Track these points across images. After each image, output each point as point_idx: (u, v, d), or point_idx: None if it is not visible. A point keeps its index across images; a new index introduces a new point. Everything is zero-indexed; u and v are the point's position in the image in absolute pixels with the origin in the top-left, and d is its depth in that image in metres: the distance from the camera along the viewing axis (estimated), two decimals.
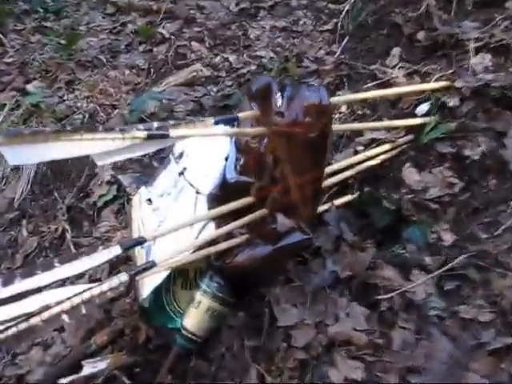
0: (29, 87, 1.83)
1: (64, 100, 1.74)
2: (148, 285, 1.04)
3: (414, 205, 1.12)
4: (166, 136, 0.85)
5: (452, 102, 1.25)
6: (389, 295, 0.99)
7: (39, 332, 0.79)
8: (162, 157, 1.50)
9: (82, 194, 1.53)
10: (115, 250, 0.90)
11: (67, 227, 1.45)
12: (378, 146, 1.25)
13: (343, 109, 1.37)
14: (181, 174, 1.10)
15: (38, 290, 0.83)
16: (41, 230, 1.50)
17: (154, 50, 1.91)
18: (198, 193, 1.07)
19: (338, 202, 1.16)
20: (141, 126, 0.85)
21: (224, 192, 1.08)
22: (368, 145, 1.28)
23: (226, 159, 1.10)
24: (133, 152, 0.84)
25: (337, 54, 1.58)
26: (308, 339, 0.95)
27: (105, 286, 0.85)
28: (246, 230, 1.03)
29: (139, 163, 1.52)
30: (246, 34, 1.80)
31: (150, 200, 1.15)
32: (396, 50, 1.51)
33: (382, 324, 0.97)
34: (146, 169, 1.50)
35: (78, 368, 1.07)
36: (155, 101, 1.54)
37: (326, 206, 1.12)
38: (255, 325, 1.01)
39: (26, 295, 0.82)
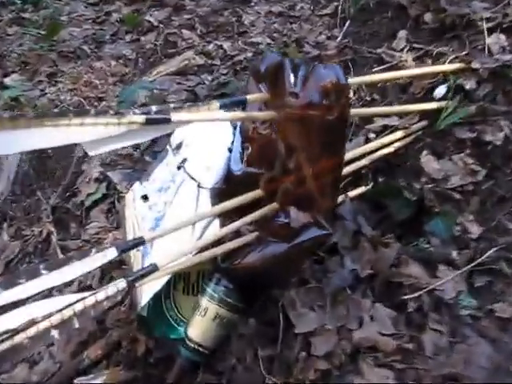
0: (7, 80, 1.70)
1: (46, 93, 1.62)
2: (146, 291, 0.93)
3: (435, 195, 1.02)
4: (167, 120, 0.74)
5: (469, 84, 1.16)
6: (416, 294, 0.89)
7: (25, 351, 0.68)
8: (154, 151, 1.40)
9: (68, 194, 1.41)
10: (111, 253, 0.79)
11: (53, 230, 1.33)
12: (390, 133, 1.16)
13: (350, 94, 1.27)
14: (180, 166, 0.99)
15: (23, 301, 0.72)
16: (24, 234, 1.37)
17: (142, 39, 1.80)
18: (199, 187, 0.96)
19: (352, 194, 1.06)
20: (137, 111, 0.74)
21: (229, 185, 0.97)
22: (380, 132, 1.19)
23: (230, 150, 1.00)
24: (129, 139, 0.73)
25: (339, 38, 1.49)
26: (330, 347, 0.85)
27: (100, 295, 0.74)
28: (256, 227, 0.93)
29: (130, 158, 1.41)
30: (239, 21, 1.69)
31: (145, 197, 1.04)
32: (402, 33, 1.42)
33: (411, 327, 0.87)
34: (138, 164, 1.39)
35: None
36: (146, 91, 1.42)
37: (339, 199, 1.02)
38: (269, 332, 0.91)
39: (8, 308, 0.71)
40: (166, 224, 0.97)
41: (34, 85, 1.68)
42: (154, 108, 0.75)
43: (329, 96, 0.82)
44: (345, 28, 1.51)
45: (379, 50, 1.39)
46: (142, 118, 0.72)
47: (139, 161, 1.40)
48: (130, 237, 1.06)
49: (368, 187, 1.09)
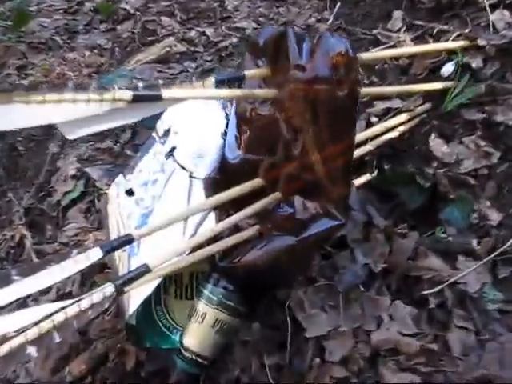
0: None
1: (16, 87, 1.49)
2: (134, 297, 0.83)
3: (448, 180, 0.94)
4: (157, 97, 0.64)
5: (475, 62, 1.09)
6: (437, 289, 0.81)
7: None
8: (136, 144, 1.29)
9: (42, 193, 1.29)
10: (94, 254, 0.68)
11: (26, 233, 1.21)
12: (394, 116, 1.08)
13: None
14: (169, 155, 0.89)
15: None
16: None
17: (118, 28, 1.68)
18: (192, 177, 0.86)
19: (357, 182, 0.97)
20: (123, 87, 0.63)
21: (225, 175, 0.88)
22: (382, 116, 1.10)
23: (224, 135, 0.90)
24: (114, 120, 0.63)
25: (330, 20, 1.40)
26: (346, 351, 0.76)
27: (84, 303, 0.63)
28: (257, 220, 0.83)
29: (109, 153, 1.29)
30: (222, 6, 1.59)
31: (130, 191, 0.93)
32: (398, 13, 1.34)
33: (434, 325, 0.78)
34: (118, 159, 1.28)
35: None
36: (125, 79, 1.31)
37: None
38: (276, 338, 0.81)
39: None
40: (155, 220, 0.87)
41: (3, 78, 1.55)
42: (140, 84, 0.65)
43: (339, 69, 0.72)
44: (335, 10, 1.43)
45: (374, 31, 1.31)
46: (128, 95, 0.62)
47: (120, 155, 1.29)
48: (114, 237, 0.95)
49: (373, 175, 1.00)
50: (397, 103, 1.10)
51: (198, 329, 0.81)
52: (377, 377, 0.75)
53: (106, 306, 0.65)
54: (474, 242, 0.86)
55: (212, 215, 0.84)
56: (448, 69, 1.05)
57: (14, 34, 1.72)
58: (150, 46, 1.50)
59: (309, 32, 1.38)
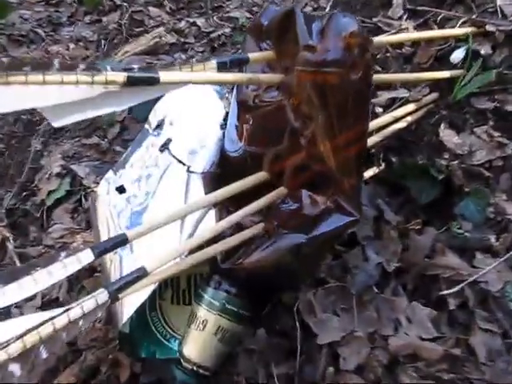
0: None
1: None
2: (128, 304, 0.76)
3: (463, 173, 0.89)
4: (154, 80, 0.57)
5: (484, 49, 1.04)
6: (456, 288, 0.75)
7: None
8: (125, 139, 1.22)
9: (25, 193, 1.21)
10: (85, 257, 0.61)
11: (8, 235, 1.13)
12: (400, 106, 1.02)
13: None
14: (163, 148, 0.82)
15: None
16: None
17: (104, 19, 1.60)
18: (189, 171, 0.79)
19: (364, 175, 0.91)
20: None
21: (225, 169, 0.81)
22: (387, 106, 1.04)
23: (223, 127, 0.83)
24: (105, 105, 0.56)
25: (327, 9, 1.34)
26: (362, 358, 0.70)
27: (74, 313, 0.56)
28: (261, 217, 0.76)
29: (96, 149, 1.22)
30: None
31: (121, 188, 0.86)
32: (398, 0, 1.28)
33: (456, 328, 0.73)
34: (106, 155, 1.21)
35: None
36: None
37: None
38: (284, 345, 0.75)
39: None
40: (150, 219, 0.80)
41: None
42: (136, 66, 0.58)
43: (352, 50, 0.66)
44: None
45: (375, 19, 1.25)
46: (122, 76, 0.55)
47: (108, 151, 1.21)
48: (104, 238, 0.88)
49: (381, 168, 0.94)
50: (403, 93, 1.04)
51: (198, 337, 0.74)
52: None
53: (99, 315, 0.58)
54: (492, 238, 0.81)
55: (212, 213, 0.78)
56: (458, 55, 0.99)
57: None
58: (138, 37, 1.42)
59: None
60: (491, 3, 1.12)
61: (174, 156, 0.80)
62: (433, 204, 0.87)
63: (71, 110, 0.53)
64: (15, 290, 0.58)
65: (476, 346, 0.69)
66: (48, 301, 0.97)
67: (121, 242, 0.65)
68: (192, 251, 0.71)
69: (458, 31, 1.05)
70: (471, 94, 1.00)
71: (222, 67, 0.65)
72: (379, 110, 1.04)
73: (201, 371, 0.74)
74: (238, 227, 0.75)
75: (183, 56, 1.32)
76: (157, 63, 1.22)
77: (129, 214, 0.85)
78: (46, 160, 1.23)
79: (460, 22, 1.08)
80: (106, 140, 1.22)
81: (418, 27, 1.19)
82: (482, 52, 1.03)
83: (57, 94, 0.51)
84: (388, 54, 1.16)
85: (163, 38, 1.37)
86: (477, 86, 0.98)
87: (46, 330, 0.54)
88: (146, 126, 0.87)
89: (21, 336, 0.52)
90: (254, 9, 1.43)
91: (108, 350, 0.83)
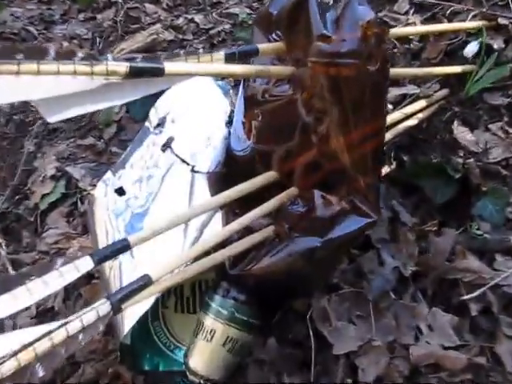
0: None
1: None
2: (130, 313, 0.71)
3: (479, 171, 0.85)
4: (158, 71, 0.52)
5: (496, 43, 1.00)
6: (478, 292, 0.71)
7: None
8: (122, 139, 1.17)
9: (18, 196, 1.16)
10: (85, 265, 0.56)
11: (0, 241, 1.08)
12: (411, 103, 0.98)
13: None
14: (166, 147, 0.77)
15: None
16: None
17: (98, 16, 1.55)
18: (194, 171, 0.74)
19: None
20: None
21: (232, 169, 0.77)
22: (397, 103, 1.00)
23: (229, 124, 0.79)
24: (106, 98, 0.51)
25: (330, 3, 1.29)
26: (381, 369, 0.66)
27: (74, 326, 0.51)
28: (271, 220, 0.72)
29: (92, 150, 1.17)
30: None
31: (121, 190, 0.81)
32: None
33: (479, 335, 0.68)
34: (103, 156, 1.15)
35: None
36: None
37: None
38: (297, 356, 0.70)
39: None
40: (152, 222, 0.75)
41: None
42: (139, 56, 0.53)
43: (369, 40, 0.62)
44: None
45: (380, 14, 1.21)
46: (124, 67, 0.50)
47: (104, 152, 1.16)
48: (103, 243, 0.83)
49: (392, 167, 0.90)
50: (412, 89, 1.00)
51: (205, 348, 0.70)
52: None
53: (101, 329, 0.53)
54: None
55: (218, 216, 0.73)
56: (472, 49, 0.95)
57: None
58: (134, 35, 1.38)
59: None
60: None
61: (176, 155, 0.75)
62: (449, 204, 0.83)
63: (68, 104, 0.49)
64: (8, 302, 0.53)
65: (502, 355, 0.65)
66: (43, 310, 0.91)
67: (122, 248, 0.60)
68: (198, 257, 0.66)
69: (469, 24, 1.01)
70: (484, 89, 0.96)
71: (230, 58, 0.60)
72: (389, 106, 1.00)
73: None
74: (247, 231, 0.71)
75: (181, 53, 1.27)
76: (160, 54, 1.16)
77: (129, 217, 0.80)
78: (40, 162, 1.18)
79: (470, 16, 1.05)
80: (102, 140, 1.17)
81: (425, 21, 1.16)
82: (495, 46, 0.99)
83: (52, 86, 0.47)
84: (395, 50, 1.13)
85: (160, 35, 1.32)
86: (490, 82, 0.95)
87: (43, 346, 0.49)
88: (147, 123, 0.83)
89: (15, 353, 0.47)
90: (254, 4, 1.38)
91: (108, 362, 0.78)
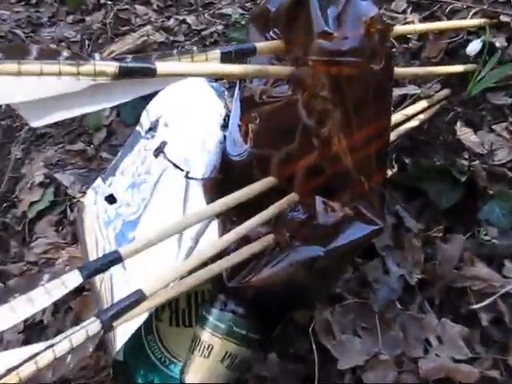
0: None
1: None
2: (122, 330, 0.67)
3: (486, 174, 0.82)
4: (150, 71, 0.49)
5: (498, 41, 0.97)
6: (488, 301, 0.67)
7: None
8: (112, 144, 1.13)
9: (5, 204, 1.11)
10: (73, 280, 0.52)
11: None
12: (412, 103, 0.95)
13: None
14: (158, 152, 0.73)
15: None
16: None
17: (87, 19, 1.51)
18: (188, 177, 0.71)
19: None
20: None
21: (228, 174, 0.73)
22: (398, 104, 0.97)
23: (224, 128, 0.75)
24: (94, 100, 0.47)
25: None
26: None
27: (61, 348, 0.47)
28: (269, 228, 0.68)
29: (82, 156, 1.13)
30: None
31: (111, 197, 0.77)
32: None
33: (491, 346, 0.65)
34: (92, 162, 1.11)
35: None
36: None
37: None
38: (299, 371, 0.67)
39: None
40: (144, 233, 0.71)
41: None
42: (129, 56, 0.50)
43: (373, 38, 0.59)
44: None
45: None
46: (113, 67, 0.46)
47: (94, 158, 1.12)
48: (92, 253, 0.79)
49: (394, 170, 0.87)
50: (413, 89, 0.97)
51: (202, 364, 0.66)
52: None
53: (91, 349, 0.49)
54: None
55: (214, 224, 0.70)
56: (475, 47, 0.93)
57: None
58: (124, 36, 1.34)
59: None
60: None
61: (169, 161, 0.72)
62: (454, 208, 0.80)
63: (52, 107, 0.45)
64: None
65: None
66: (31, 324, 0.87)
67: (113, 260, 0.56)
68: (194, 269, 0.62)
69: (470, 22, 0.98)
70: (486, 89, 0.93)
71: (225, 58, 0.57)
72: None
73: None
74: (245, 240, 0.67)
75: (174, 53, 1.23)
76: (152, 54, 1.12)
77: (120, 226, 0.76)
78: (28, 168, 1.14)
79: (471, 14, 1.03)
80: (92, 146, 1.13)
81: (423, 20, 1.13)
82: (497, 44, 0.97)
83: (35, 88, 0.43)
84: (394, 49, 1.10)
85: (151, 37, 1.29)
86: (493, 81, 0.92)
87: (28, 370, 0.45)
88: (138, 128, 0.79)
89: None
90: (248, 4, 1.35)
91: (100, 379, 0.74)
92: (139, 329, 0.73)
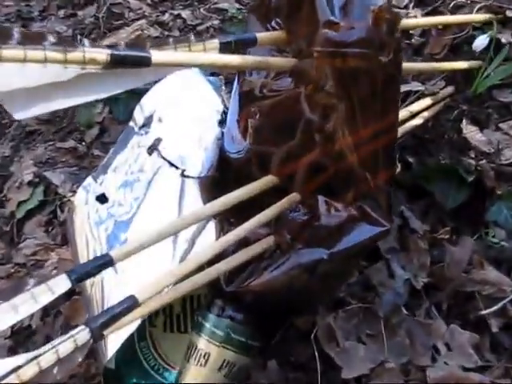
0: None
1: None
2: (114, 337, 0.63)
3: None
4: (144, 60, 0.45)
5: (504, 37, 0.94)
6: (497, 306, 0.64)
7: None
8: (104, 142, 1.09)
9: None
10: (60, 285, 0.48)
11: None
12: (416, 100, 0.92)
13: None
14: (152, 149, 0.69)
15: None
16: None
17: (79, 13, 1.47)
18: (184, 176, 0.67)
19: None
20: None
21: (225, 173, 0.69)
22: (402, 100, 0.94)
23: (222, 123, 0.72)
24: (83, 91, 0.44)
25: None
26: None
27: (47, 360, 0.43)
28: (269, 229, 0.65)
29: (73, 154, 1.09)
30: None
31: (103, 197, 0.74)
32: None
33: (502, 354, 0.62)
34: (84, 160, 1.08)
35: None
36: None
37: None
38: (300, 380, 0.64)
39: None
40: (138, 234, 0.67)
41: None
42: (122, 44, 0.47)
43: (381, 28, 0.55)
44: None
45: None
46: (104, 55, 0.43)
47: (85, 156, 1.09)
48: (83, 255, 0.76)
49: (397, 169, 0.84)
50: (417, 86, 0.94)
51: (199, 374, 0.62)
52: None
53: (79, 360, 0.46)
54: None
55: (211, 225, 0.66)
56: (482, 42, 0.90)
57: None
58: (117, 31, 1.30)
59: None
60: None
61: (164, 158, 0.68)
62: (460, 209, 0.77)
63: (37, 98, 0.41)
64: None
65: None
66: (19, 329, 0.83)
67: (104, 264, 0.53)
68: (190, 273, 0.59)
69: (476, 17, 0.95)
70: (492, 86, 0.90)
71: (225, 48, 0.54)
72: None
73: None
74: (244, 242, 0.64)
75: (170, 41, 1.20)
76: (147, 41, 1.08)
77: (112, 226, 0.73)
78: (16, 166, 1.10)
79: (476, 9, 1.00)
80: (83, 143, 1.10)
81: (426, 16, 1.10)
82: (503, 40, 0.94)
83: (17, 76, 0.39)
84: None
85: (145, 32, 1.25)
86: (499, 78, 0.89)
87: (11, 382, 0.42)
88: (131, 123, 0.75)
89: None
90: None
91: None
92: (132, 335, 0.69)
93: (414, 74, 0.96)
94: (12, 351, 0.82)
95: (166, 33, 1.28)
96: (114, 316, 0.48)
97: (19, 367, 0.42)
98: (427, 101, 0.89)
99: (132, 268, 0.65)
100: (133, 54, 0.45)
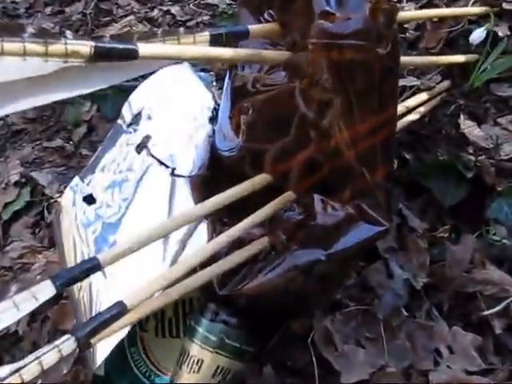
0: None
1: None
2: (104, 344, 0.60)
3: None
4: (131, 53, 0.43)
5: (500, 30, 0.92)
6: (500, 307, 0.62)
7: None
8: (93, 141, 1.06)
9: None
10: (44, 291, 0.46)
11: None
12: (412, 95, 0.89)
13: None
14: (141, 147, 0.67)
15: None
16: None
17: (67, 10, 1.45)
18: (174, 175, 0.65)
19: None
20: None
21: (217, 171, 0.67)
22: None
23: (212, 120, 0.69)
24: (65, 86, 0.41)
25: None
26: None
27: (31, 371, 0.41)
28: (263, 230, 0.62)
29: (60, 153, 1.06)
30: None
31: (90, 198, 0.71)
32: None
33: (506, 356, 0.60)
34: (72, 160, 1.05)
35: None
36: None
37: None
38: None
39: None
40: (127, 237, 0.65)
41: None
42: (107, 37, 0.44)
43: (377, 19, 0.53)
44: None
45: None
46: (88, 47, 0.40)
47: (73, 156, 1.06)
48: (70, 258, 0.73)
49: (394, 166, 0.82)
50: (412, 81, 0.92)
51: (192, 381, 0.60)
52: None
53: (65, 371, 0.43)
54: None
55: (203, 226, 0.64)
56: (479, 35, 0.87)
57: None
58: (105, 28, 1.27)
59: None
60: None
61: (153, 156, 0.65)
62: (460, 206, 0.75)
63: (15, 94, 0.38)
64: None
65: None
66: (4, 335, 0.80)
67: (91, 268, 0.50)
68: (181, 277, 0.56)
69: (472, 10, 0.93)
70: (489, 80, 0.89)
71: (215, 41, 0.51)
72: None
73: None
74: (237, 243, 0.61)
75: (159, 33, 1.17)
76: (133, 33, 1.05)
77: (100, 228, 0.70)
78: (2, 167, 1.07)
79: (471, 2, 0.98)
80: (71, 143, 1.07)
81: (420, 9, 1.08)
82: (500, 33, 0.92)
83: None
84: None
85: (134, 28, 1.22)
86: (497, 72, 0.87)
87: None
88: (119, 121, 0.72)
89: None
90: None
91: None
92: (122, 340, 0.67)
93: (410, 69, 0.94)
94: None
95: (155, 29, 1.26)
96: (102, 323, 0.46)
97: (4, 378, 0.39)
98: (423, 96, 0.87)
99: (121, 271, 0.62)
100: (119, 46, 0.42)
